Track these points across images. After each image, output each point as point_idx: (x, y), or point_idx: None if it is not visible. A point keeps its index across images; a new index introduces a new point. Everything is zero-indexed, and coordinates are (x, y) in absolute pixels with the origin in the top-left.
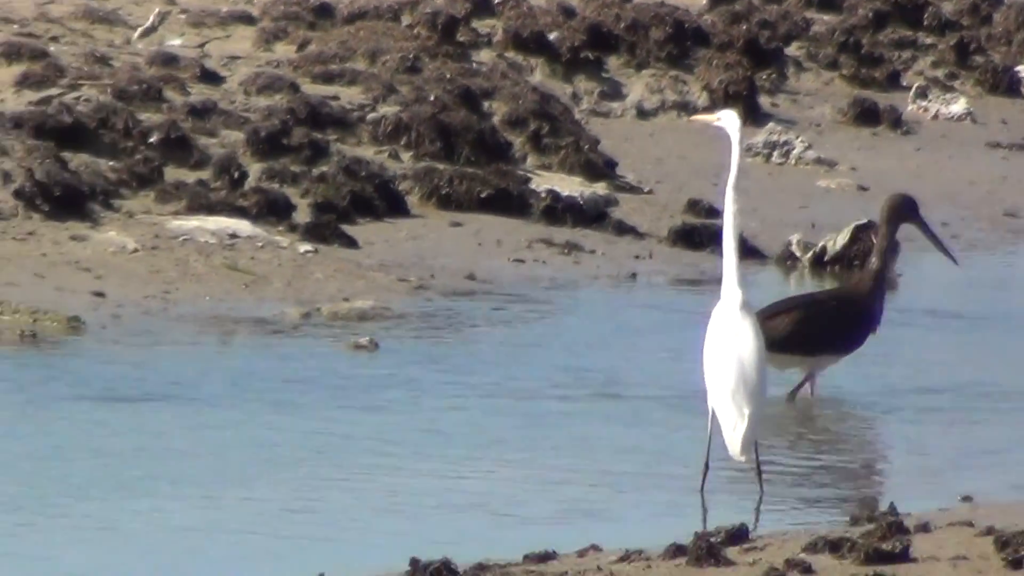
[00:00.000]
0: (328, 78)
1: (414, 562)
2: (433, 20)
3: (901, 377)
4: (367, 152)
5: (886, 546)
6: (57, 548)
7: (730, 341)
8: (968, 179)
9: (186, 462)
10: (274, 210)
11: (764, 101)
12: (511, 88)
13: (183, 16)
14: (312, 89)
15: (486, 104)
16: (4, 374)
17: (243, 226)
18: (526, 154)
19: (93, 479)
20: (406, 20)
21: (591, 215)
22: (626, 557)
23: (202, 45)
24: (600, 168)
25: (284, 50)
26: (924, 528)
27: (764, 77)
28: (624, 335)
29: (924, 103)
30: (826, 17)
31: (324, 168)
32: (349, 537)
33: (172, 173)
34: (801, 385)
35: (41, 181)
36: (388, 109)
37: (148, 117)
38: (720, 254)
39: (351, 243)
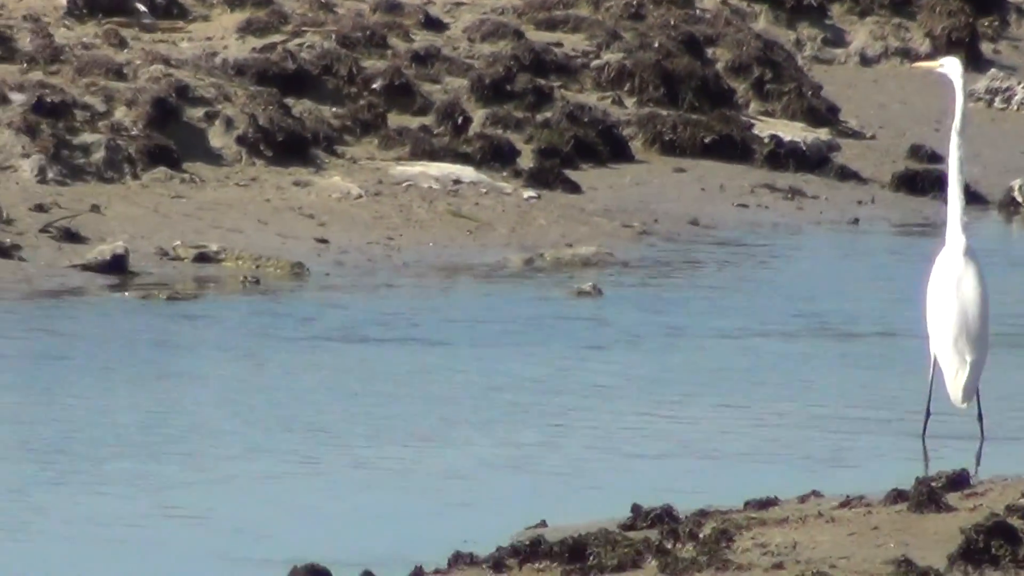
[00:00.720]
0: (552, 25)
1: (636, 509)
2: None
3: None
4: (590, 98)
5: None
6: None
7: (953, 287)
8: None
9: (418, 406)
10: (498, 156)
11: (986, 48)
12: (734, 35)
13: None
14: (536, 36)
15: (709, 51)
16: (236, 319)
17: (467, 172)
18: (749, 100)
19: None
20: None
21: (813, 160)
22: (847, 503)
23: None
24: (822, 114)
25: None
26: None
27: (986, 24)
28: (847, 280)
29: None
30: None
31: (547, 114)
32: (571, 483)
33: (395, 119)
34: None
35: (264, 127)
36: (612, 56)
37: (371, 64)
38: (942, 200)
39: (574, 189)
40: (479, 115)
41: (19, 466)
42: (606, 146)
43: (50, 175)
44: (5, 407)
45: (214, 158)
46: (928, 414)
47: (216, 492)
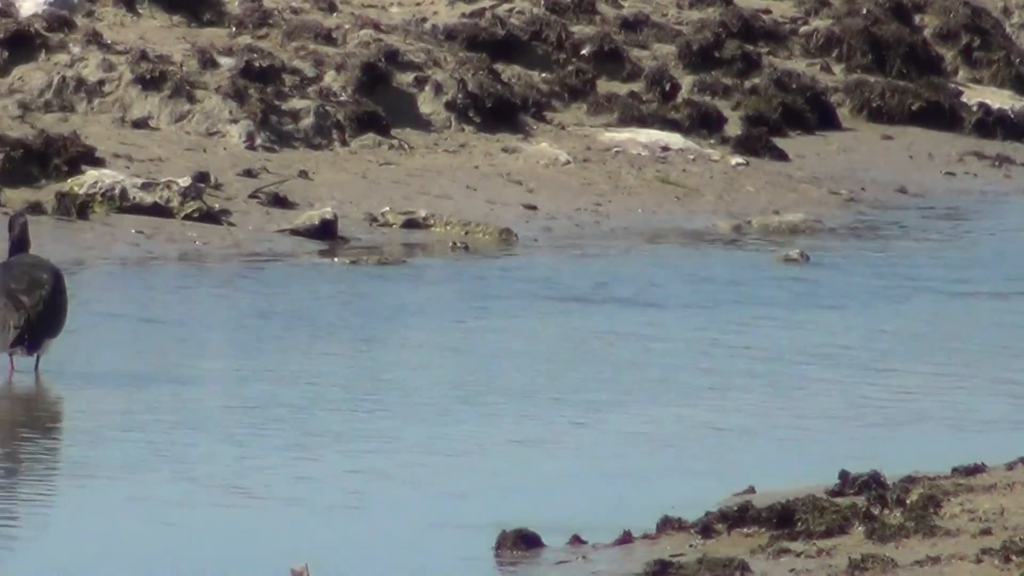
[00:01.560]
0: None
1: (843, 475)
2: None
3: None
4: (798, 65)
5: None
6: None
7: None
8: None
9: (628, 371)
10: (705, 123)
11: None
12: (942, 2)
13: None
14: (744, 2)
15: (917, 17)
16: (444, 284)
17: (675, 139)
18: (957, 67)
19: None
20: None
21: (1021, 128)
22: None
23: None
24: None
25: None
26: None
27: None
28: None
29: None
30: None
31: (755, 81)
32: (779, 449)
33: (604, 85)
34: None
35: (473, 93)
36: (820, 22)
37: (580, 30)
38: None
39: (781, 156)
40: (687, 81)
41: (235, 430)
42: (813, 113)
43: (258, 141)
44: (219, 371)
45: (423, 124)
46: None
47: (424, 457)
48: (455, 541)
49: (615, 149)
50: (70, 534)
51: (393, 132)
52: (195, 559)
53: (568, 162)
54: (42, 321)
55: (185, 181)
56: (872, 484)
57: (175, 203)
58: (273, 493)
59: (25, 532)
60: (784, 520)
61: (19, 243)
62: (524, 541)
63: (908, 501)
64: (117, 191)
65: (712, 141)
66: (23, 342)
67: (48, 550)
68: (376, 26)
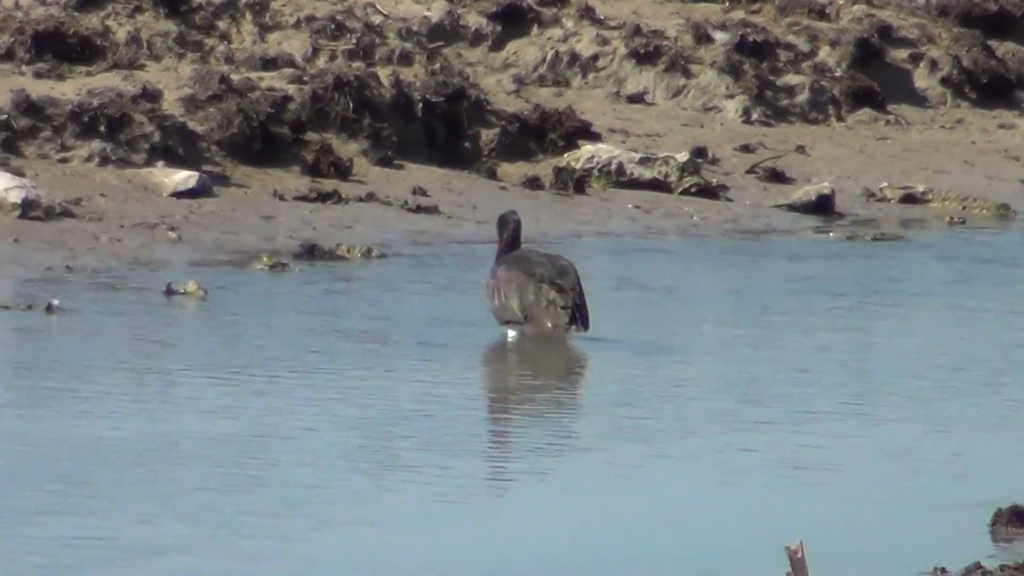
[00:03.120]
0: None
1: None
2: None
3: None
4: None
5: None
6: None
7: None
8: None
9: None
10: None
11: None
12: None
13: None
14: None
15: None
16: (941, 260)
17: None
18: None
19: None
20: None
21: None
22: None
23: None
24: None
25: None
26: None
27: None
28: None
29: None
30: None
31: None
32: None
33: None
34: None
35: (968, 69)
36: None
37: None
38: None
39: None
40: None
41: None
42: None
43: (754, 116)
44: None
45: (918, 100)
46: None
47: (918, 435)
48: (951, 518)
49: None
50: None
51: (888, 107)
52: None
53: None
54: (583, 300)
55: (683, 156)
56: None
57: (673, 178)
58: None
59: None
60: None
61: (513, 242)
62: (1019, 518)
63: None
64: (614, 166)
65: None
66: (578, 320)
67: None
68: (869, 1)
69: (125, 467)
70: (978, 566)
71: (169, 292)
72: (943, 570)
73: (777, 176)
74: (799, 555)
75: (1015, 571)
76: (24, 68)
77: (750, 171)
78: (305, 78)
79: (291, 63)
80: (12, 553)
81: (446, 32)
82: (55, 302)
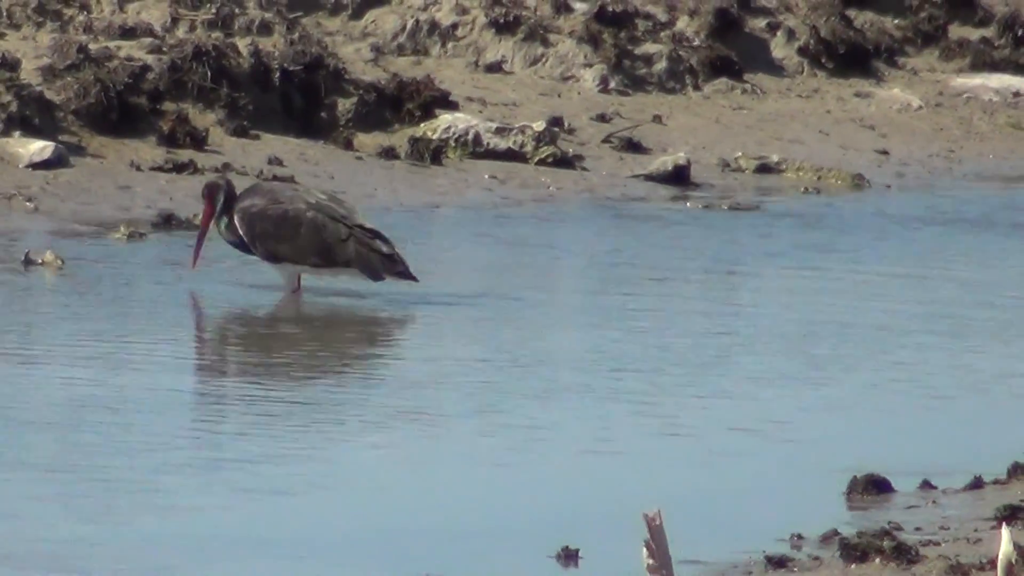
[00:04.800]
0: None
1: None
2: None
3: None
4: None
5: None
6: None
7: None
8: None
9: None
10: None
11: None
12: None
13: None
14: None
15: None
16: (794, 229)
17: None
18: None
19: (923, 326)
20: None
21: None
22: None
23: None
24: None
25: None
26: None
27: None
28: None
29: None
30: None
31: None
32: None
33: (955, 31)
34: None
35: (825, 39)
36: None
37: None
38: None
39: None
40: None
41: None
42: None
43: (612, 85)
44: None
45: (775, 69)
46: None
47: (774, 404)
48: (807, 485)
49: (966, 95)
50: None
51: (745, 77)
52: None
53: (920, 107)
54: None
55: (539, 126)
56: None
57: (529, 148)
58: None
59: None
60: None
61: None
62: (875, 486)
63: None
64: (471, 136)
65: None
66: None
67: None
68: None
69: None
70: (835, 533)
71: (27, 262)
72: (800, 536)
73: (634, 146)
74: (656, 522)
75: (872, 538)
76: None
77: (606, 140)
78: (164, 48)
79: (150, 33)
80: None
81: (306, 2)
82: None
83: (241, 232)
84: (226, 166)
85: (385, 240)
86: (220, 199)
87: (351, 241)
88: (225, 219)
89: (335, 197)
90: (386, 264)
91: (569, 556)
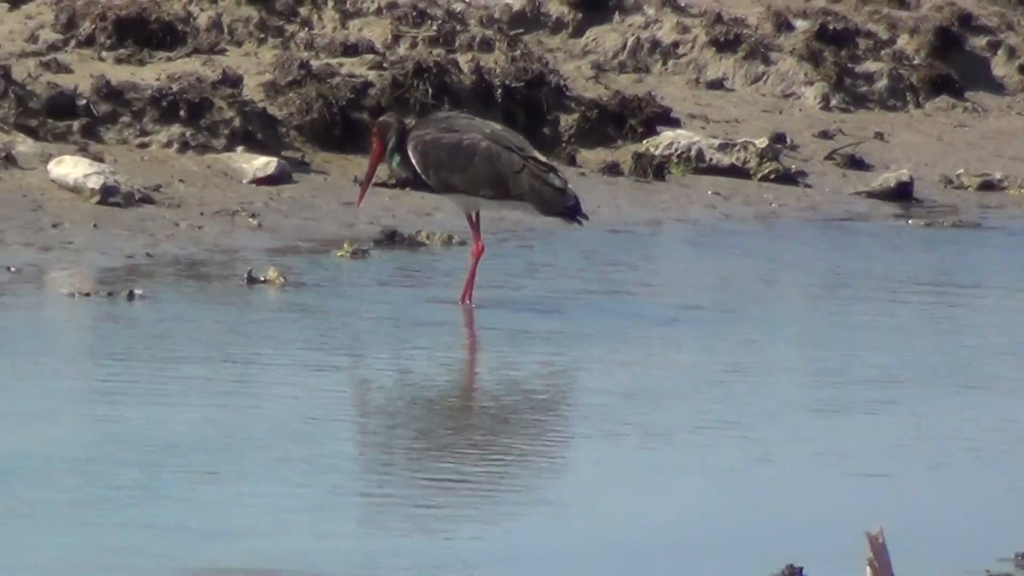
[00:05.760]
0: None
1: None
2: None
3: None
4: None
5: None
6: None
7: None
8: None
9: None
10: None
11: None
12: None
13: None
14: None
15: None
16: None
17: None
18: None
19: None
20: None
21: None
22: None
23: None
24: None
25: None
26: None
27: None
28: None
29: None
30: None
31: None
32: None
33: None
34: None
35: None
36: None
37: None
38: None
39: None
40: None
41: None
42: None
43: (833, 102)
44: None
45: (996, 87)
46: None
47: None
48: None
49: None
50: None
51: (966, 95)
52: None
53: None
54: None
55: (762, 142)
56: None
57: (752, 164)
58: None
59: None
60: None
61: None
62: None
63: None
64: (693, 152)
65: None
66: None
67: None
68: None
69: (200, 455)
70: None
71: (250, 280)
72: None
73: (856, 163)
74: (880, 540)
75: None
76: (105, 54)
77: (828, 157)
78: (385, 64)
79: (371, 49)
80: (96, 541)
81: (527, 19)
82: (137, 291)
83: (414, 161)
84: None
85: (558, 174)
86: (392, 138)
87: (525, 173)
88: (397, 156)
89: (509, 129)
90: (558, 200)
91: (793, 574)
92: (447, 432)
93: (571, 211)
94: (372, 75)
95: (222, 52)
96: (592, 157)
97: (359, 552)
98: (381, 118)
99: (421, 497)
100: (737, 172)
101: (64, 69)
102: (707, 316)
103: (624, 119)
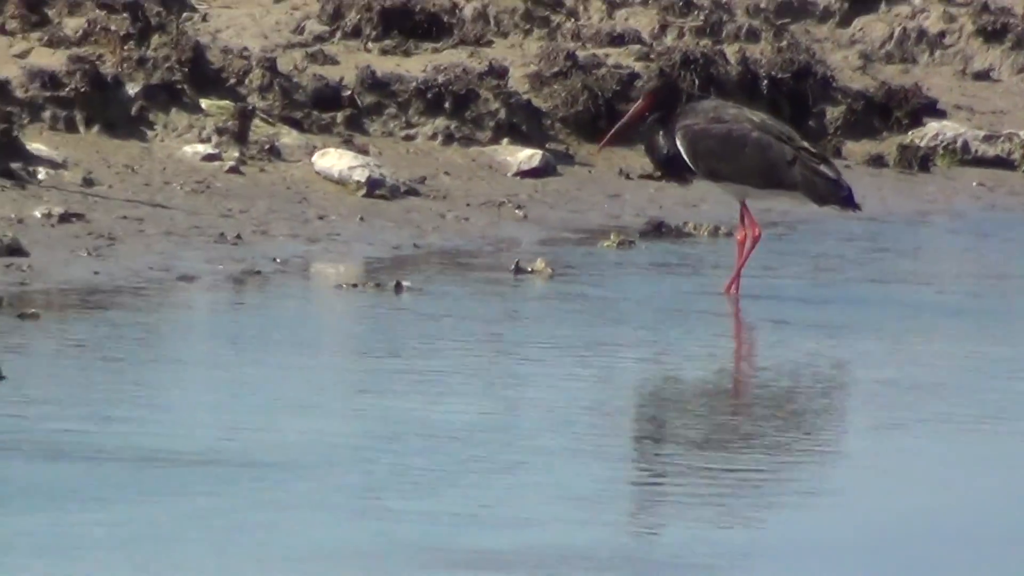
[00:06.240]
0: None
1: None
2: None
3: None
4: None
5: None
6: None
7: None
8: None
9: None
10: None
11: None
12: None
13: None
14: None
15: None
16: None
17: None
18: None
19: None
20: None
21: None
22: None
23: None
24: None
25: None
26: None
27: None
28: None
29: None
30: None
31: None
32: None
33: None
34: None
35: None
36: None
37: None
38: None
39: None
40: None
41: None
42: None
43: None
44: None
45: None
46: None
47: None
48: None
49: None
50: None
51: None
52: None
53: None
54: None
55: None
56: None
57: (1017, 156)
58: None
59: None
60: None
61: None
62: None
63: None
64: (959, 143)
65: None
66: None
67: None
68: None
69: (475, 446)
70: None
71: (517, 270)
72: None
73: None
74: None
75: None
76: (370, 45)
77: None
78: (651, 55)
79: (638, 40)
80: (383, 527)
81: (793, 8)
82: (405, 283)
83: (682, 149)
84: None
85: (830, 164)
86: (659, 116)
87: (797, 164)
88: (661, 130)
89: (776, 119)
90: (833, 189)
91: None
92: (718, 423)
93: (845, 200)
94: (639, 66)
95: (488, 44)
96: (857, 149)
97: (627, 544)
98: (659, 83)
99: (695, 487)
100: (1002, 163)
101: (330, 61)
102: (980, 306)
103: (890, 111)
